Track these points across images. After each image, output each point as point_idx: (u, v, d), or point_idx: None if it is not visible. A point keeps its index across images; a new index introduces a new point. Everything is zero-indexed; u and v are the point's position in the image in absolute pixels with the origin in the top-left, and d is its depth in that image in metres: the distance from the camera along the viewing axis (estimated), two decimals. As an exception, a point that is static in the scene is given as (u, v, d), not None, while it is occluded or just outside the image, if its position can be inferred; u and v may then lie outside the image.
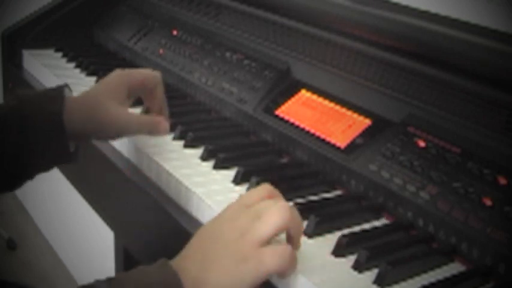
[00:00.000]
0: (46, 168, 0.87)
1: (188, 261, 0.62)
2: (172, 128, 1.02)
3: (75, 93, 1.16)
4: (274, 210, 0.64)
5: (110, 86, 0.89)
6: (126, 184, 0.95)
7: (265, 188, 0.69)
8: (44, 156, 0.86)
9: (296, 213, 0.66)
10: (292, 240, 0.66)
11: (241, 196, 0.70)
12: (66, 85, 0.90)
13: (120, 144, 1.00)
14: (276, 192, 0.70)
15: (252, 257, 0.61)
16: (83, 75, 1.31)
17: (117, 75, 0.91)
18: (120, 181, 0.97)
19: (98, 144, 1.01)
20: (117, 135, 0.90)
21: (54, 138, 0.84)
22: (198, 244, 0.64)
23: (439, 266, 0.73)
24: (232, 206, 0.68)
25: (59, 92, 0.87)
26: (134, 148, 0.97)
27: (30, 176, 0.87)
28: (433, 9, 0.89)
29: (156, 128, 0.90)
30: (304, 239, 0.74)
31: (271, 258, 0.62)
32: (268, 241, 0.64)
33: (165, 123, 0.91)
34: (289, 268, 0.64)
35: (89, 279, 0.64)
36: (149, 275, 0.60)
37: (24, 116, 0.84)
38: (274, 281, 0.68)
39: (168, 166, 0.89)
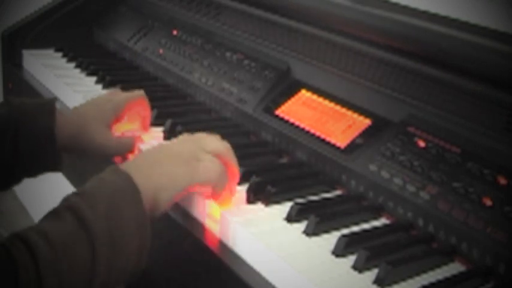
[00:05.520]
0: (34, 175, 0.92)
1: (136, 165, 0.73)
2: (172, 128, 1.02)
3: (76, 93, 1.17)
4: (219, 140, 0.80)
5: (98, 108, 0.95)
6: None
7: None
8: (34, 164, 0.91)
9: (224, 171, 0.78)
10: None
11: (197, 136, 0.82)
12: (56, 98, 0.95)
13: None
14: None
15: (190, 163, 0.75)
16: (83, 75, 1.31)
17: (107, 100, 0.97)
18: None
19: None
20: (100, 156, 0.96)
21: (45, 149, 0.89)
22: (146, 153, 0.78)
23: (439, 266, 0.73)
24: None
25: (51, 105, 0.92)
26: (134, 148, 0.97)
27: (18, 180, 0.91)
28: (433, 9, 0.89)
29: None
30: (304, 239, 0.74)
31: (204, 170, 0.75)
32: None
33: (140, 142, 0.98)
34: (214, 180, 0.76)
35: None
36: (108, 181, 0.68)
37: (17, 125, 0.88)
38: (273, 280, 0.68)
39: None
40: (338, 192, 0.89)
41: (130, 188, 0.68)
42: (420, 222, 0.78)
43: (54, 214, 0.64)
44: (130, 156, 0.96)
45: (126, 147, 0.95)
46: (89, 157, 0.98)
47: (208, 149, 0.78)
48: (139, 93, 1.00)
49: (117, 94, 1.00)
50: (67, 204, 0.65)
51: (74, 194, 0.67)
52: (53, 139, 0.89)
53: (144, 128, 1.03)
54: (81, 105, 0.97)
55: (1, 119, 0.88)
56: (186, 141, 0.79)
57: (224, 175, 0.78)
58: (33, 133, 0.88)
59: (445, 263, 0.73)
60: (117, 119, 0.97)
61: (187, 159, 0.75)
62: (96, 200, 0.65)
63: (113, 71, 1.31)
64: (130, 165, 0.73)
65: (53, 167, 0.92)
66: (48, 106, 0.91)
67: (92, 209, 0.64)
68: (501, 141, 0.79)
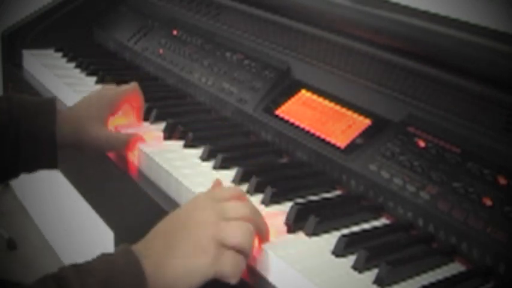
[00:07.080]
0: (31, 171, 0.93)
1: (151, 246, 0.65)
2: (172, 128, 1.02)
3: (76, 93, 1.17)
4: (243, 229, 0.66)
5: (92, 106, 0.96)
6: (126, 184, 0.95)
7: (236, 189, 0.74)
8: (33, 161, 0.92)
9: (253, 237, 0.68)
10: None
11: (211, 189, 0.74)
12: (55, 98, 0.97)
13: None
14: (245, 196, 0.74)
15: (210, 252, 0.64)
16: (83, 75, 1.31)
17: (100, 96, 0.98)
18: (120, 181, 0.97)
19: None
20: (97, 151, 0.97)
21: (45, 148, 0.91)
22: (164, 229, 0.67)
23: (439, 266, 0.73)
24: (201, 196, 0.71)
25: (51, 105, 0.93)
26: (134, 148, 0.97)
27: (16, 175, 0.93)
28: (433, 9, 0.89)
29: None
30: (304, 239, 0.74)
31: (228, 262, 0.65)
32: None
33: (141, 141, 0.98)
34: (236, 278, 0.66)
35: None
36: (113, 263, 0.62)
37: (18, 122, 0.89)
38: (273, 280, 0.68)
39: (168, 166, 0.89)
40: (338, 192, 0.89)
41: (136, 279, 0.61)
42: (420, 222, 0.78)
43: (42, 284, 0.59)
44: (130, 155, 0.97)
45: (122, 143, 0.96)
46: (85, 153, 0.99)
47: (230, 241, 0.65)
48: (132, 86, 1.01)
49: (109, 89, 1.00)
50: (59, 276, 0.60)
51: (72, 266, 0.61)
52: (53, 139, 0.91)
53: (138, 119, 1.05)
54: (75, 104, 0.98)
55: (3, 114, 0.89)
56: (205, 213, 0.67)
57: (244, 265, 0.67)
58: (34, 132, 0.90)
59: (445, 263, 0.73)
60: (112, 113, 0.99)
61: (207, 247, 0.64)
62: (91, 280, 0.59)
63: (113, 71, 1.31)
64: (142, 251, 0.64)
65: (50, 165, 0.93)
66: (49, 106, 0.93)
67: None
68: (501, 141, 0.79)
